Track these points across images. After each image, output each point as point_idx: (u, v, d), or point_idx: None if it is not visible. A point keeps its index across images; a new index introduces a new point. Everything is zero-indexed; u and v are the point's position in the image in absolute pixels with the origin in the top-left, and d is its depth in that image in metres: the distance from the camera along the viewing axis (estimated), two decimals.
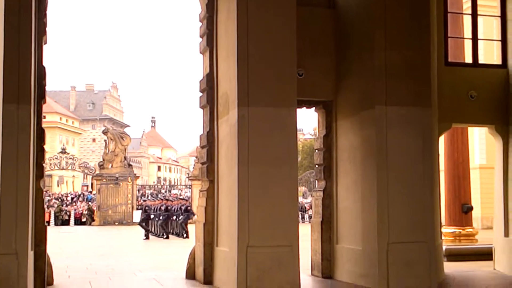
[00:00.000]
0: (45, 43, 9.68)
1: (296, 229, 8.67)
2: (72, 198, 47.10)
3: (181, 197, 37.14)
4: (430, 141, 9.46)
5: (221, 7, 9.81)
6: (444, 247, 12.41)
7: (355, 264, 9.62)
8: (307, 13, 10.09)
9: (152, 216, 26.36)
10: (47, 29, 9.57)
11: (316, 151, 11.04)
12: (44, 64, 9.43)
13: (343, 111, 10.22)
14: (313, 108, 10.95)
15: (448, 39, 11.37)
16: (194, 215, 26.35)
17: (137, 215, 34.82)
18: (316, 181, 11.14)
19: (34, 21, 8.65)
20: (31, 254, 8.49)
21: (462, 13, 14.00)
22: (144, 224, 25.65)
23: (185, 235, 24.02)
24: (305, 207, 36.98)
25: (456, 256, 13.29)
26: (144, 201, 28.29)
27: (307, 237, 10.99)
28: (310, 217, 31.10)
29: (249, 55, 8.66)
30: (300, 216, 33.78)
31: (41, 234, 9.13)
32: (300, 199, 38.21)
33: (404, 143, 9.22)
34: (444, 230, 14.88)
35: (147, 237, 24.46)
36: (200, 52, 10.83)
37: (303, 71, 9.91)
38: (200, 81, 10.67)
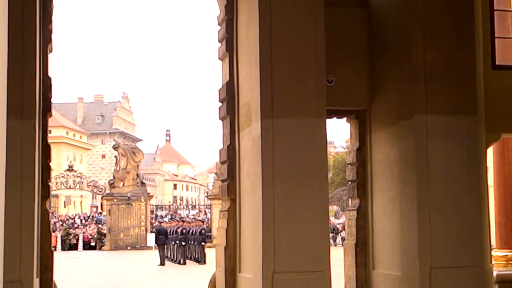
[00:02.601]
0: (51, 51, 9.85)
1: (327, 253, 8.64)
2: (81, 220, 47.55)
3: (199, 218, 37.26)
4: (476, 153, 9.37)
5: (241, 9, 9.90)
6: (495, 273, 12.20)
7: None
8: (337, 13, 10.11)
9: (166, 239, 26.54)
10: (53, 36, 9.75)
11: (349, 166, 11.00)
12: (49, 74, 9.59)
13: (378, 121, 10.19)
14: (345, 119, 10.93)
15: (496, 39, 11.28)
16: (209, 238, 26.53)
17: (151, 238, 35.08)
18: (349, 199, 11.09)
19: (38, 27, 8.82)
20: (36, 281, 8.59)
21: (510, 11, 13.88)
22: (159, 248, 25.80)
23: (202, 261, 24.11)
24: (337, 228, 36.81)
25: (508, 282, 13.07)
26: (160, 223, 28.49)
27: (339, 261, 10.92)
28: (343, 239, 30.93)
29: (273, 61, 8.71)
30: (331, 238, 33.64)
31: (47, 260, 9.23)
32: (332, 219, 38.03)
33: (447, 156, 9.16)
34: (495, 253, 14.66)
35: (162, 263, 24.61)
36: (219, 58, 10.91)
37: (333, 77, 9.91)
38: (219, 90, 10.74)
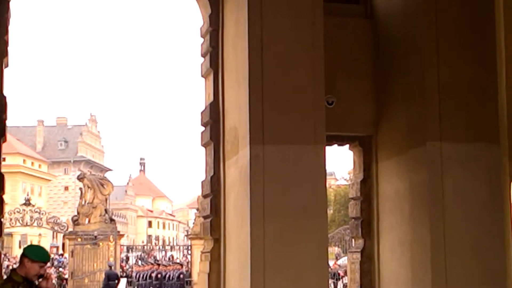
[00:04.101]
0: (6, 66, 9.85)
1: None
2: None
3: (177, 260, 37.03)
4: (499, 186, 9.39)
5: (228, 19, 9.96)
6: None
7: None
8: (338, 25, 10.19)
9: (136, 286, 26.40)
10: (9, 49, 9.75)
11: (352, 200, 10.99)
12: (4, 92, 9.57)
13: (386, 149, 10.22)
14: (347, 146, 10.95)
15: None
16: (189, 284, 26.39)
17: (122, 285, 34.77)
18: (352, 240, 11.06)
19: None
20: None
21: None
22: None
23: None
24: (338, 273, 36.64)
25: None
26: (110, 266, 28.68)
27: None
28: (344, 286, 30.75)
29: (264, 78, 8.74)
30: (332, 285, 33.45)
31: None
32: (331, 263, 37.88)
33: (465, 190, 9.16)
34: None
35: None
36: (202, 76, 10.94)
37: (334, 98, 9.96)
38: (201, 113, 10.75)
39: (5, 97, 9.56)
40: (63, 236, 43.83)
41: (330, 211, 60.90)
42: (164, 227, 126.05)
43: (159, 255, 48.39)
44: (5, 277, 6.55)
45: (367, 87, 10.32)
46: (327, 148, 9.32)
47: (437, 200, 9.07)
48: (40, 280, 6.04)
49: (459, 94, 9.31)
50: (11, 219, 37.60)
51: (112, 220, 37.28)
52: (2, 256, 9.62)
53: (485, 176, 9.26)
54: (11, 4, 9.87)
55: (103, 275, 31.91)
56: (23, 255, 6.06)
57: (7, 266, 39.71)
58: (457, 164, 9.19)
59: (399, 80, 9.82)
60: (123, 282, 35.00)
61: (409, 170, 9.53)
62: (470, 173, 9.22)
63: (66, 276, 36.58)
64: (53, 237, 78.39)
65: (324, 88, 8.98)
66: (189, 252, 39.36)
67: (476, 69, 9.41)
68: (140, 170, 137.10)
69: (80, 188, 39.05)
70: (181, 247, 51.26)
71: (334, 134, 10.23)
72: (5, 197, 9.74)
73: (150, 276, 26.07)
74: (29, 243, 67.74)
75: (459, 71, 9.36)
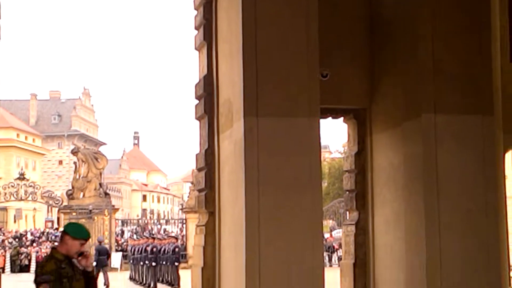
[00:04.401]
0: None
1: (321, 275, 8.65)
2: (33, 238, 47.24)
3: (172, 234, 37.18)
4: (493, 158, 9.43)
5: None
6: None
7: None
8: None
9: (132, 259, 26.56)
10: (0, 22, 9.70)
11: (346, 173, 11.02)
12: None
13: (380, 122, 10.23)
14: (341, 119, 10.96)
15: None
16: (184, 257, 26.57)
17: (117, 258, 34.91)
18: (347, 212, 11.11)
19: None
20: None
21: None
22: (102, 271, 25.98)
23: (176, 284, 24.11)
24: (333, 246, 36.86)
25: None
26: (100, 242, 28.83)
27: (335, 285, 10.93)
28: (339, 258, 30.97)
29: (258, 51, 8.71)
30: (326, 257, 33.68)
31: None
32: (326, 235, 38.09)
33: (459, 162, 9.20)
34: None
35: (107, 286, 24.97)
36: (196, 49, 10.91)
37: (328, 71, 9.94)
38: (195, 86, 10.73)
39: None
40: (58, 211, 43.87)
41: (324, 184, 61.06)
42: (158, 201, 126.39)
43: (155, 229, 48.60)
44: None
45: (361, 60, 10.30)
46: (322, 120, 9.33)
47: (431, 172, 9.10)
48: (79, 257, 6.06)
49: (453, 67, 9.30)
50: (5, 194, 37.71)
51: (106, 194, 37.38)
52: None
53: (479, 148, 9.28)
54: None
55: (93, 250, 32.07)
56: (64, 233, 6.10)
57: (2, 241, 39.88)
58: (451, 136, 9.21)
59: (394, 53, 9.80)
60: (118, 256, 35.19)
61: (404, 142, 9.55)
62: (464, 145, 9.25)
63: None
64: (48, 211, 78.46)
65: (319, 61, 8.96)
66: (184, 225, 39.56)
67: (470, 40, 9.40)
68: (134, 144, 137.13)
69: (74, 162, 39.09)
70: (176, 221, 51.50)
71: (329, 107, 10.23)
72: None
73: (145, 250, 26.12)
74: (23, 217, 67.60)
75: (454, 44, 9.35)
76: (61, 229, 40.03)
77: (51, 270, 5.87)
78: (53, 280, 5.80)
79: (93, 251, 27.76)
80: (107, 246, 29.62)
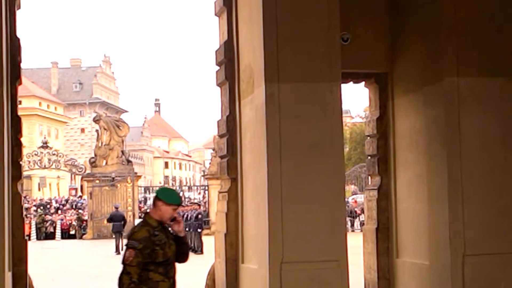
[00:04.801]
0: (19, 8, 9.82)
1: (343, 240, 8.69)
2: (58, 205, 47.81)
3: (195, 200, 37.43)
4: None
5: None
6: None
7: (421, 283, 9.61)
8: None
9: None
10: None
11: (368, 138, 11.01)
12: (18, 34, 9.57)
13: (402, 86, 10.18)
14: (363, 83, 10.92)
15: None
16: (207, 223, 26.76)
17: None
18: (369, 177, 11.12)
19: None
20: (8, 275, 8.67)
21: None
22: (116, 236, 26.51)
23: (199, 250, 24.35)
24: (355, 211, 36.95)
25: None
26: (116, 208, 29.28)
27: (358, 249, 10.99)
28: (362, 223, 31.05)
29: (278, 16, 8.67)
30: (349, 222, 33.77)
31: (20, 251, 9.31)
32: (349, 199, 38.17)
33: (482, 125, 9.15)
34: None
35: (118, 252, 25.49)
36: (216, 14, 10.87)
37: (349, 35, 9.87)
38: (216, 52, 10.71)
39: (19, 39, 9.56)
40: (81, 178, 44.27)
41: (346, 149, 61.00)
42: (180, 167, 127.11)
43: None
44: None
45: (382, 23, 10.23)
46: (343, 85, 9.29)
47: (453, 134, 9.07)
48: (172, 223, 5.99)
49: (476, 28, 9.20)
50: (29, 162, 38.01)
51: (129, 161, 37.64)
52: (22, 198, 9.78)
53: (501, 111, 9.23)
54: None
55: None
56: (157, 199, 5.97)
57: (27, 209, 40.38)
58: (473, 100, 9.16)
59: (415, 15, 9.71)
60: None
61: (426, 106, 9.51)
62: (486, 108, 9.19)
63: (86, 218, 37.15)
64: (71, 179, 79.29)
65: (339, 25, 8.91)
66: (206, 192, 39.78)
67: (494, 2, 9.28)
68: (156, 111, 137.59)
69: (97, 130, 39.32)
70: (198, 187, 51.79)
71: (350, 72, 10.19)
72: (22, 140, 9.85)
73: None
74: (48, 185, 68.13)
75: (477, 4, 9.24)
76: (85, 196, 40.23)
77: (141, 238, 5.78)
78: (140, 249, 5.72)
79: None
80: (123, 212, 30.06)
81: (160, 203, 5.94)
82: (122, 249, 25.86)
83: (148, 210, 6.14)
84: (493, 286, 9.02)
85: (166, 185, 68.70)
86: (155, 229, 5.87)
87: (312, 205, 8.58)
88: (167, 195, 6.01)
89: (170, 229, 6.04)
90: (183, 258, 6.14)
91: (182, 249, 6.09)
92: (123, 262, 5.79)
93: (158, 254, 5.83)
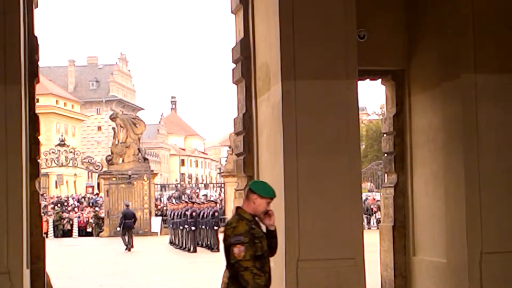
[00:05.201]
0: (36, 6, 9.87)
1: (360, 237, 8.69)
2: (75, 203, 48.05)
3: (211, 198, 37.47)
4: None
5: None
6: None
7: (438, 282, 9.58)
8: None
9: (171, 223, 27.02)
10: None
11: (385, 135, 10.97)
12: (35, 33, 9.63)
13: (419, 83, 10.14)
14: (379, 80, 10.89)
15: None
16: (223, 221, 26.87)
17: (156, 223, 35.35)
18: (385, 175, 11.08)
19: None
20: (26, 272, 8.72)
21: None
22: (127, 234, 26.73)
23: (216, 248, 24.39)
24: (372, 209, 36.86)
25: None
26: (127, 205, 29.42)
27: (374, 247, 10.96)
28: (378, 221, 30.99)
29: (295, 13, 8.67)
30: (365, 220, 33.70)
31: (38, 248, 9.36)
32: (365, 196, 38.08)
33: (500, 122, 9.11)
34: None
35: (128, 249, 25.63)
36: (232, 12, 10.88)
37: (365, 32, 9.87)
38: (232, 49, 10.72)
39: (36, 38, 9.61)
40: (98, 176, 44.42)
41: (362, 147, 60.79)
42: (196, 165, 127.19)
43: (191, 193, 49.03)
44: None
45: (399, 20, 10.19)
46: (359, 82, 9.29)
47: (471, 132, 9.03)
48: (264, 216, 5.79)
49: (494, 23, 9.16)
50: (46, 160, 38.25)
51: (145, 159, 37.74)
52: (40, 196, 9.83)
53: None
54: None
55: (138, 213, 32.67)
56: (251, 192, 5.77)
57: (45, 206, 40.62)
58: (491, 96, 9.12)
59: (432, 12, 9.67)
60: (157, 220, 35.61)
61: (443, 103, 9.47)
62: (504, 105, 9.15)
63: (102, 215, 37.31)
64: (88, 177, 79.60)
65: (356, 22, 8.89)
66: (222, 189, 39.83)
67: None
68: (172, 109, 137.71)
69: (113, 128, 39.45)
70: (214, 185, 51.86)
71: (366, 69, 10.16)
72: (40, 138, 9.90)
73: (185, 214, 26.38)
74: (65, 183, 68.35)
75: (494, 1, 9.19)
76: (101, 194, 40.30)
77: (244, 232, 5.58)
78: (247, 242, 5.53)
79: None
80: (133, 210, 30.23)
81: (254, 196, 5.74)
82: (132, 246, 26.06)
83: (239, 205, 5.94)
84: (511, 284, 8.98)
85: (181, 183, 68.81)
86: (251, 222, 5.70)
87: (329, 202, 8.59)
88: (262, 188, 5.83)
89: (262, 222, 5.84)
90: (271, 252, 5.96)
91: (273, 243, 5.92)
92: (235, 262, 5.62)
93: (257, 248, 5.65)
